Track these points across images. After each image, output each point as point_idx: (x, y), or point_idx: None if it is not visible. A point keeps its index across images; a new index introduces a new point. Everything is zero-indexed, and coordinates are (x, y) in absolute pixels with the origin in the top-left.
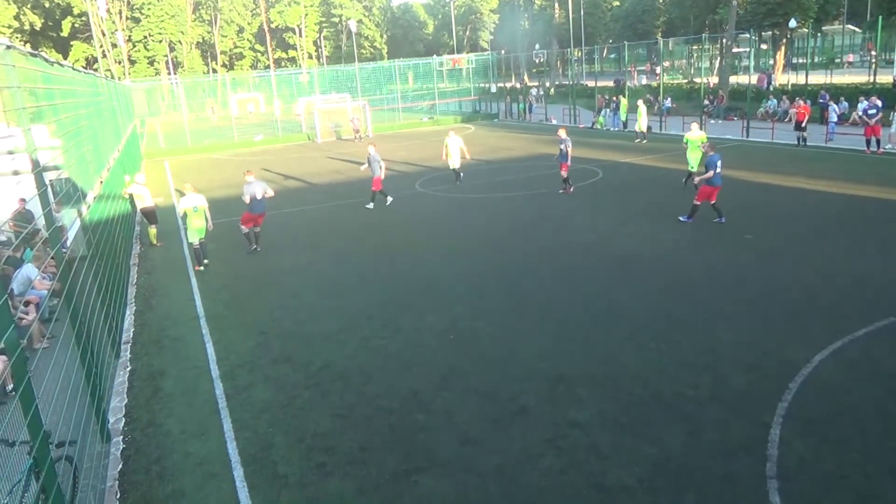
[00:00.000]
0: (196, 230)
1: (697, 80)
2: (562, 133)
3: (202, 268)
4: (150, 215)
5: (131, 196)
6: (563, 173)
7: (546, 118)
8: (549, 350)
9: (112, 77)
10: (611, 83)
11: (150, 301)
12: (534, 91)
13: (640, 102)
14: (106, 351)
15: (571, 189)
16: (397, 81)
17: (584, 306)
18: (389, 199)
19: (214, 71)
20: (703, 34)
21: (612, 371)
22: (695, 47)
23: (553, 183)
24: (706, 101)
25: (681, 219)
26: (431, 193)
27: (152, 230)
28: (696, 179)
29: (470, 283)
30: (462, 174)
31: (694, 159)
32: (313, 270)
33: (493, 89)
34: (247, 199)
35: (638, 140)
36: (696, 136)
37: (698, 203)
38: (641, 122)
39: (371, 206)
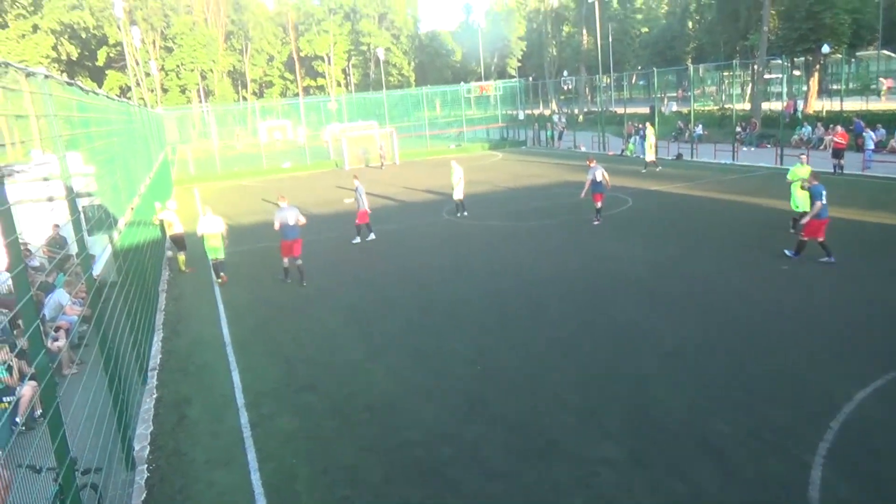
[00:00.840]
0: (212, 249)
1: (729, 106)
2: (592, 162)
3: (220, 280)
4: (180, 242)
5: (161, 222)
6: (598, 203)
7: (575, 145)
8: (579, 381)
9: (145, 105)
10: (641, 110)
11: (178, 327)
12: (555, 117)
13: (648, 125)
14: (133, 377)
15: (599, 221)
16: (425, 108)
17: (614, 336)
18: (372, 235)
19: (244, 99)
20: (734, 60)
21: (644, 404)
22: (726, 73)
23: (582, 211)
24: (738, 128)
25: (787, 253)
26: (459, 221)
27: (181, 256)
28: (805, 219)
29: (497, 311)
30: (465, 208)
31: (802, 199)
32: (338, 297)
33: (521, 116)
34: (276, 226)
35: (647, 169)
36: (803, 171)
37: (805, 239)
38: (649, 148)
39: (357, 240)
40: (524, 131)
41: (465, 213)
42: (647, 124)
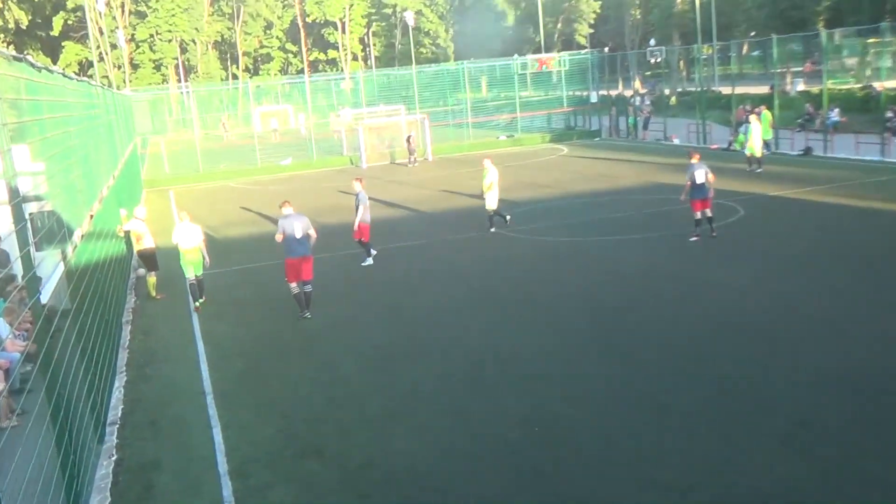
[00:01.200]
0: (190, 263)
1: (876, 84)
2: (694, 158)
3: (197, 305)
4: (150, 260)
5: (128, 234)
6: (698, 213)
7: (665, 136)
8: (668, 452)
9: (110, 85)
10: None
11: (146, 370)
12: (639, 100)
13: (751, 117)
14: (88, 433)
15: (698, 237)
16: (466, 89)
17: (716, 395)
18: (369, 259)
19: (235, 77)
20: (883, 23)
21: (758, 486)
22: (871, 41)
23: (675, 222)
24: (889, 114)
25: None
26: (510, 235)
27: (151, 279)
28: None
29: (560, 356)
30: (505, 217)
31: None
32: (353, 333)
33: (594, 98)
34: (279, 237)
35: (751, 168)
36: None
37: None
38: (754, 142)
39: (369, 261)
40: (597, 118)
41: (504, 224)
42: (762, 109)
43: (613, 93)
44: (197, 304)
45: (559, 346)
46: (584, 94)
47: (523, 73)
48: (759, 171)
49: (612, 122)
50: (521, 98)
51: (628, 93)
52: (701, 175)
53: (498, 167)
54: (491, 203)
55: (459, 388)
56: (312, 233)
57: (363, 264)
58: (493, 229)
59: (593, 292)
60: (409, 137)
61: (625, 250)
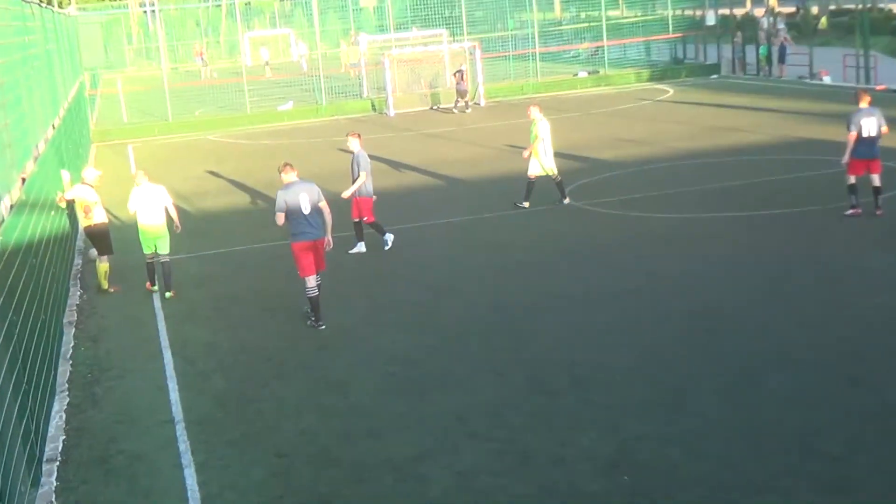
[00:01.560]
0: (152, 238)
1: None
2: (863, 100)
3: (155, 288)
4: (101, 240)
5: (71, 205)
6: (852, 179)
7: (811, 73)
8: None
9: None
10: None
11: (95, 389)
12: (765, 21)
13: None
14: (18, 472)
15: (856, 210)
16: (533, 7)
17: (880, 435)
18: (360, 246)
19: None
20: None
21: None
22: None
23: (825, 194)
24: None
25: None
26: (589, 209)
27: (103, 265)
28: None
29: (656, 377)
30: (563, 191)
31: None
32: (370, 344)
33: (711, 20)
34: (280, 219)
35: None
36: None
37: None
38: None
39: (388, 244)
40: (715, 48)
41: (567, 200)
42: None
43: (739, 12)
44: (155, 288)
45: (652, 360)
46: (698, 13)
47: None
48: None
49: (735, 52)
50: (610, 20)
51: (759, 12)
52: (873, 125)
53: (584, 113)
54: (547, 165)
55: (518, 420)
56: (325, 206)
57: (351, 251)
58: (566, 200)
59: (701, 289)
60: (458, 73)
61: (751, 231)
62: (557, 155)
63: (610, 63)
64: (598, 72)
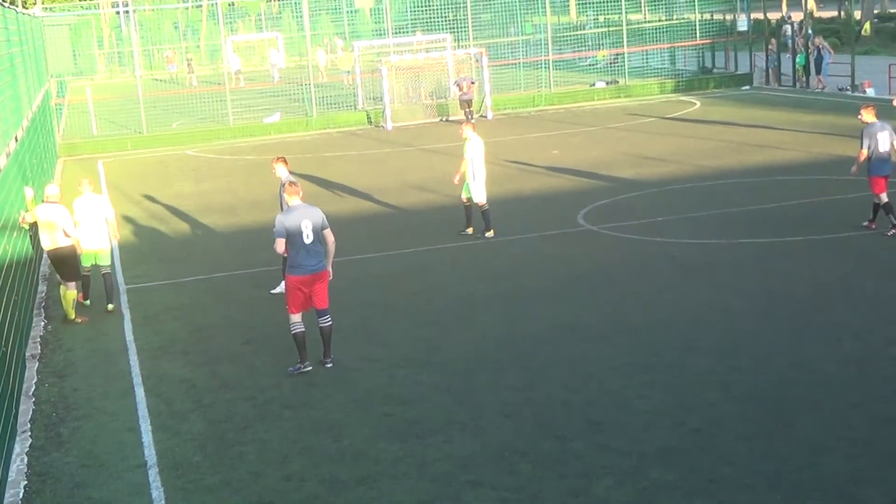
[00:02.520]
0: (90, 253)
1: None
2: (867, 115)
3: (87, 302)
4: (66, 265)
5: (34, 227)
6: (881, 196)
7: (853, 84)
8: None
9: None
10: None
11: (59, 430)
12: (788, 28)
13: None
14: None
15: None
16: (547, 10)
17: None
18: (280, 287)
19: None
20: None
21: None
22: None
23: (865, 217)
24: None
25: None
26: (606, 233)
27: (69, 293)
28: None
29: (679, 419)
30: (489, 215)
31: None
32: (366, 381)
33: (743, 26)
34: (280, 246)
35: None
36: None
37: None
38: None
39: (278, 288)
40: (748, 56)
41: (491, 233)
42: None
43: (773, 16)
44: (87, 302)
45: (679, 403)
46: (728, 18)
47: None
48: None
49: (769, 61)
50: (631, 24)
51: (796, 16)
52: (886, 140)
53: (600, 128)
54: (477, 193)
55: (527, 466)
56: (329, 234)
57: (272, 292)
58: (490, 233)
59: (733, 324)
60: (462, 83)
61: (783, 259)
62: (572, 172)
63: (630, 72)
64: (618, 82)
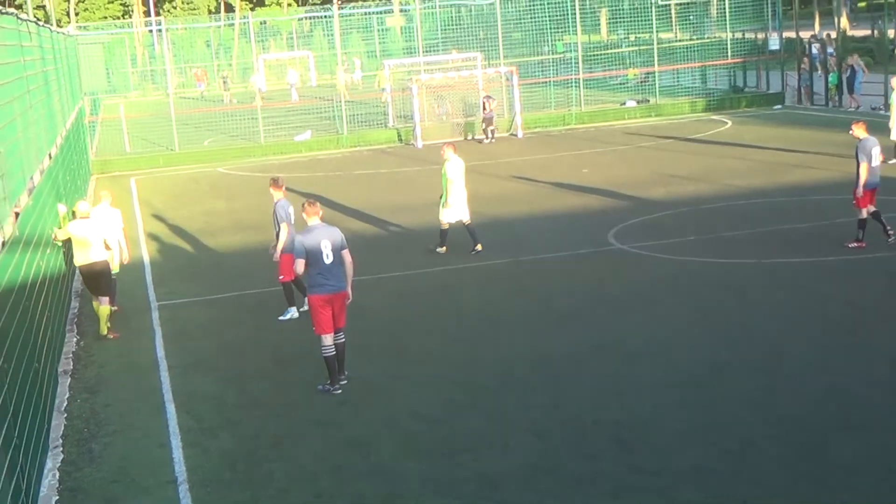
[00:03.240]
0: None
1: None
2: (860, 131)
3: (106, 331)
4: (100, 279)
5: (67, 243)
6: (863, 211)
7: (886, 104)
8: None
9: (47, 20)
10: None
11: (91, 445)
12: (811, 46)
13: (893, 83)
14: None
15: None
16: (577, 28)
17: None
18: (292, 313)
19: (230, 8)
20: None
21: None
22: None
23: None
24: None
25: None
26: (636, 252)
27: (102, 308)
28: None
29: (710, 440)
30: (476, 235)
31: None
32: (395, 398)
33: (775, 44)
34: (300, 266)
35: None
36: None
37: None
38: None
39: (288, 315)
40: (780, 75)
41: (479, 248)
42: None
43: (806, 34)
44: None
45: (710, 423)
46: (760, 36)
47: (665, 4)
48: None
49: (801, 80)
50: (662, 43)
51: (828, 35)
52: (877, 156)
53: (631, 147)
54: (456, 212)
55: (556, 486)
56: (348, 255)
57: (281, 319)
58: (441, 248)
59: (765, 344)
60: (485, 100)
61: (816, 280)
62: (602, 191)
63: (661, 91)
64: (648, 101)
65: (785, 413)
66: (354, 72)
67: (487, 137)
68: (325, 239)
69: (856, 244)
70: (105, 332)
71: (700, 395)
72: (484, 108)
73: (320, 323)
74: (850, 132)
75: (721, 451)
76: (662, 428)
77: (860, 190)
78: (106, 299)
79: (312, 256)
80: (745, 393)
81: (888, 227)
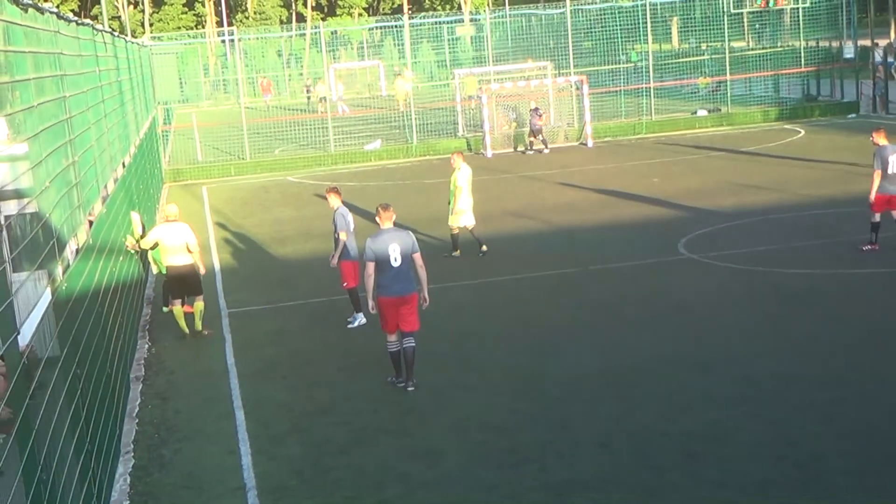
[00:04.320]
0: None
1: None
2: (880, 138)
3: (205, 332)
4: (185, 282)
5: (150, 250)
6: (877, 216)
7: None
8: None
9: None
10: None
11: (161, 451)
12: (878, 54)
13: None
14: None
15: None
16: (648, 36)
17: None
18: (360, 318)
19: (302, 18)
20: None
21: None
22: None
23: None
24: None
25: None
26: (706, 262)
27: (177, 310)
28: None
29: (779, 453)
30: (480, 238)
31: None
32: (463, 408)
33: (849, 52)
34: (370, 269)
35: None
36: None
37: None
38: None
39: (355, 322)
40: (854, 83)
41: (485, 249)
42: None
43: (882, 42)
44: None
45: (780, 436)
46: (835, 45)
47: (738, 13)
48: None
49: (877, 89)
50: (734, 51)
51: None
52: (895, 163)
53: (702, 156)
54: (465, 218)
55: (623, 498)
56: (419, 258)
57: (350, 325)
58: (455, 252)
59: (836, 356)
60: (534, 111)
61: (890, 292)
62: (672, 200)
63: (733, 100)
64: (720, 110)
65: (856, 427)
66: (407, 83)
67: (528, 148)
68: (395, 243)
69: (870, 247)
70: (200, 328)
71: (770, 408)
72: (533, 118)
73: (386, 322)
74: (871, 139)
75: (791, 464)
76: (731, 440)
77: (872, 196)
78: (178, 301)
79: (380, 260)
80: (816, 406)
81: (875, 241)
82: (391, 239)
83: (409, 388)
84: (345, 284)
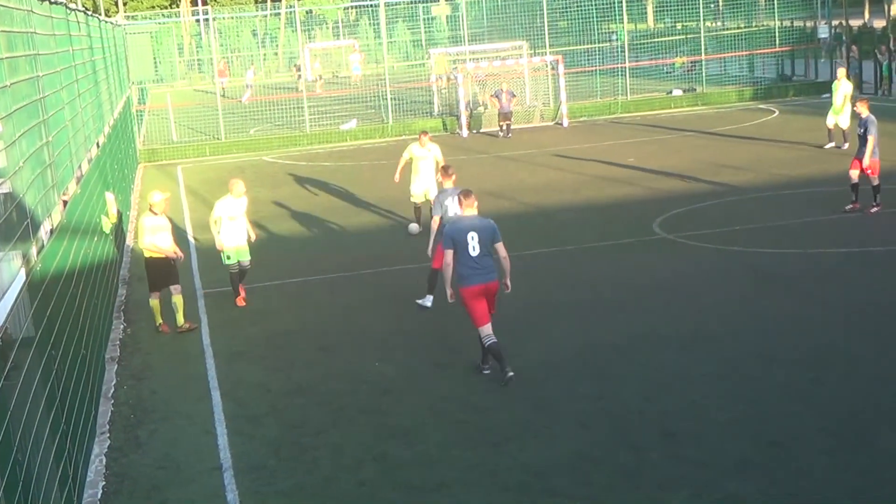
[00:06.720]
0: (233, 250)
1: None
2: (864, 108)
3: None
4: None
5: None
6: (875, 179)
7: None
8: None
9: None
10: None
11: (137, 432)
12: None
13: (839, 73)
14: None
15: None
16: (623, 17)
17: None
18: (428, 300)
19: None
20: None
21: None
22: None
23: None
24: None
25: None
26: (683, 242)
27: (178, 298)
28: None
29: (757, 431)
30: (418, 221)
31: None
32: (441, 387)
33: (824, 33)
34: (448, 258)
35: (832, 145)
36: None
37: None
38: (840, 117)
39: (427, 302)
40: (828, 64)
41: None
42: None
43: (856, 23)
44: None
45: (757, 415)
46: (809, 24)
47: None
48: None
49: (850, 69)
50: (709, 31)
51: (879, 23)
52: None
53: (678, 136)
54: (422, 189)
55: (602, 477)
56: (502, 248)
57: (418, 301)
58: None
59: (813, 336)
60: (501, 94)
61: (865, 270)
62: (648, 180)
63: (708, 80)
64: (695, 89)
65: (833, 405)
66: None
67: (503, 132)
68: (473, 231)
69: (877, 208)
70: (182, 322)
71: (747, 387)
72: (500, 103)
73: (477, 316)
74: (855, 109)
75: (769, 442)
76: (709, 419)
77: (867, 160)
78: (178, 288)
79: (459, 248)
80: (793, 384)
81: (855, 200)
82: (470, 227)
83: (510, 374)
84: (434, 263)
